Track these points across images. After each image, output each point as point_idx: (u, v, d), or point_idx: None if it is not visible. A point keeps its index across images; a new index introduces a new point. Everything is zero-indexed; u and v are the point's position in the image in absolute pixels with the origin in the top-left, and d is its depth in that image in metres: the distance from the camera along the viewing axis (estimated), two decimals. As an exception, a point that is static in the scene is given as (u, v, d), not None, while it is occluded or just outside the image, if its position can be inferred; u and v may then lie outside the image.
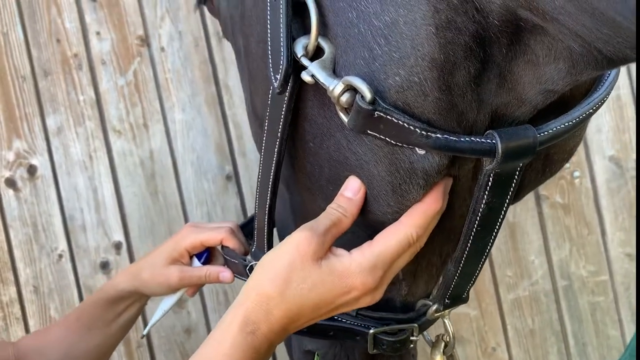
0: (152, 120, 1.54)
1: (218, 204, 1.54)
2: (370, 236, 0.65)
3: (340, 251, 0.65)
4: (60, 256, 1.51)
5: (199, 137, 1.53)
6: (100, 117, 1.53)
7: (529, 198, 1.64)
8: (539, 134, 0.57)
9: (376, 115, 0.55)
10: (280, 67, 0.59)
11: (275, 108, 0.63)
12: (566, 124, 0.58)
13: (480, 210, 0.60)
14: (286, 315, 0.63)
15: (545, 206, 1.65)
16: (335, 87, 0.57)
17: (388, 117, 0.55)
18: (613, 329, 1.67)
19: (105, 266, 1.52)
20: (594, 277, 1.66)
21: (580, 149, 1.64)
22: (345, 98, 0.57)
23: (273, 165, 0.67)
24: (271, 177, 0.68)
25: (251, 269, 0.78)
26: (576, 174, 1.65)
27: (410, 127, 0.55)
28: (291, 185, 0.73)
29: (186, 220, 1.51)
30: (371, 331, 0.74)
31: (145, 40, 1.53)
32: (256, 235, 0.77)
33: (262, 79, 0.66)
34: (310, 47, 0.58)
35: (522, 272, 1.66)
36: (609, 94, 0.62)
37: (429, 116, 0.55)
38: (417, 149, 0.57)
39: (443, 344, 0.78)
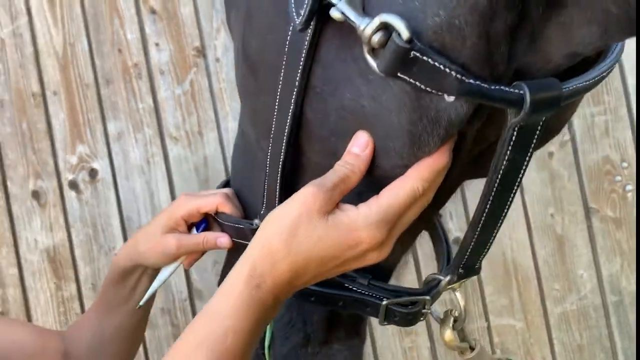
0: (206, 128, 1.60)
1: (267, 209, 1.58)
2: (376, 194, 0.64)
3: (347, 206, 0.63)
4: (118, 256, 1.59)
5: (250, 145, 1.59)
6: (158, 124, 1.60)
7: (578, 211, 1.63)
8: (563, 89, 0.57)
9: (412, 56, 0.53)
10: (306, 1, 0.56)
11: (293, 50, 0.60)
12: (585, 82, 0.59)
13: (503, 166, 0.59)
14: (292, 268, 0.63)
15: (595, 220, 1.63)
16: (367, 25, 0.54)
17: (424, 57, 0.53)
18: (665, 347, 1.64)
19: (158, 267, 1.59)
20: (646, 294, 1.63)
21: (632, 161, 1.61)
22: (377, 37, 0.54)
23: (289, 117, 0.63)
24: (286, 130, 0.65)
25: None
26: (628, 187, 1.62)
27: (447, 69, 0.53)
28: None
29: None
30: (384, 302, 0.72)
31: (201, 51, 1.59)
32: (266, 196, 0.73)
33: (269, 18, 0.64)
34: None
35: (570, 286, 1.64)
36: (617, 60, 0.63)
37: (463, 61, 0.54)
38: (446, 95, 0.55)
39: (452, 319, 0.75)
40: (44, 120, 1.59)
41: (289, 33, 0.60)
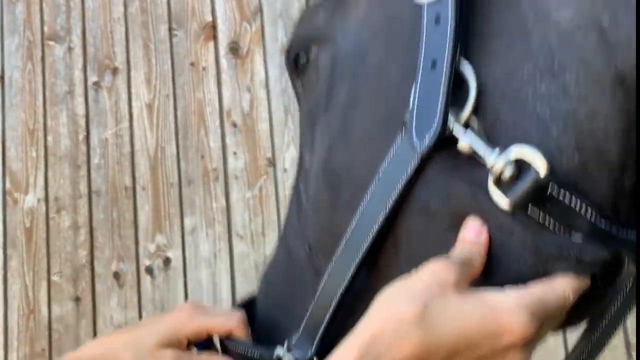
0: (269, 229, 1.78)
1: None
2: None
3: (489, 288, 0.52)
4: (179, 338, 1.76)
5: (306, 249, 1.74)
6: (228, 222, 1.79)
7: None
8: None
9: (549, 194, 0.51)
10: (431, 131, 0.55)
11: (394, 172, 0.58)
12: None
13: (612, 311, 0.56)
14: (419, 347, 0.49)
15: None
16: (498, 159, 0.52)
17: (565, 196, 0.51)
18: None
19: (213, 353, 1.74)
20: None
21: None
22: (509, 172, 0.52)
23: (369, 237, 0.58)
24: (362, 251, 0.59)
25: None
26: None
27: (585, 210, 0.51)
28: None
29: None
30: None
31: (272, 162, 1.79)
32: (305, 322, 0.64)
33: (369, 138, 0.62)
34: (466, 115, 0.55)
35: None
36: None
37: (595, 204, 0.52)
38: (574, 233, 0.52)
39: None
40: (131, 210, 1.83)
41: (394, 151, 0.59)
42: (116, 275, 1.81)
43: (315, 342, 0.63)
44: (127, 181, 1.84)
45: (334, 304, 0.61)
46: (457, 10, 0.57)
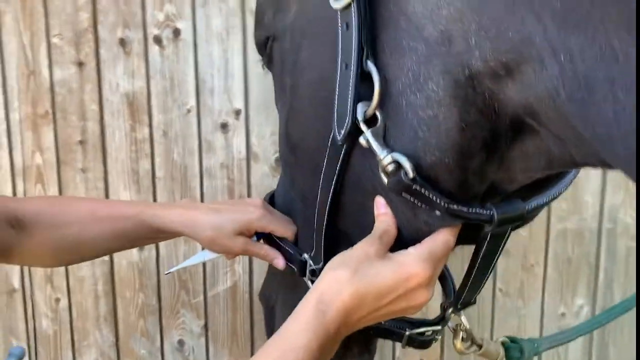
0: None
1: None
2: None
3: (398, 251, 0.76)
4: (189, 111, 1.78)
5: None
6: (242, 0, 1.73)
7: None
8: (527, 207, 0.74)
9: (413, 188, 0.70)
10: (345, 125, 0.72)
11: (333, 153, 0.77)
12: (545, 200, 0.77)
13: (481, 254, 0.78)
14: (353, 296, 0.72)
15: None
16: (385, 157, 0.70)
17: (422, 190, 0.69)
18: (641, 272, 1.90)
19: (224, 127, 1.78)
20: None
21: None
22: (390, 168, 0.70)
23: (330, 197, 0.81)
24: (328, 205, 0.82)
25: (312, 271, 0.91)
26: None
27: (437, 199, 0.70)
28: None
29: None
30: (407, 333, 0.89)
31: None
32: (315, 244, 0.89)
33: (310, 119, 0.81)
34: (369, 113, 0.70)
35: (575, 208, 1.87)
36: (572, 181, 0.82)
37: (449, 186, 0.70)
38: (437, 211, 0.71)
39: (461, 332, 0.94)
40: (138, -26, 1.72)
41: (328, 140, 0.77)
42: (122, 42, 1.75)
43: (322, 256, 0.88)
44: (134, -59, 1.70)
45: (323, 235, 0.86)
46: (360, 19, 0.68)
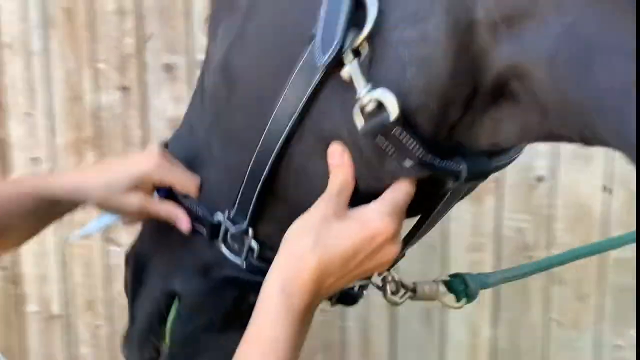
0: None
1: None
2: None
3: (358, 207, 0.70)
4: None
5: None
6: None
7: None
8: (492, 165, 0.71)
9: (393, 132, 0.63)
10: (331, 50, 0.64)
11: (301, 81, 0.67)
12: (505, 162, 0.73)
13: (437, 209, 0.75)
14: (318, 271, 0.67)
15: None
16: (366, 94, 0.63)
17: (401, 134, 0.63)
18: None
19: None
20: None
21: None
22: (370, 107, 0.63)
23: (283, 137, 0.70)
24: (276, 149, 0.71)
25: (233, 236, 0.80)
26: None
27: (414, 147, 0.64)
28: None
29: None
30: None
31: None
32: (239, 201, 0.78)
33: (268, 44, 0.71)
34: (358, 43, 0.63)
35: (632, 236, 1.80)
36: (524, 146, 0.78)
37: (426, 135, 0.65)
38: (408, 160, 0.66)
39: (388, 285, 0.85)
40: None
41: (298, 65, 0.67)
42: (167, 68, 1.74)
43: (248, 216, 0.78)
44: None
45: (259, 187, 0.75)
46: None
